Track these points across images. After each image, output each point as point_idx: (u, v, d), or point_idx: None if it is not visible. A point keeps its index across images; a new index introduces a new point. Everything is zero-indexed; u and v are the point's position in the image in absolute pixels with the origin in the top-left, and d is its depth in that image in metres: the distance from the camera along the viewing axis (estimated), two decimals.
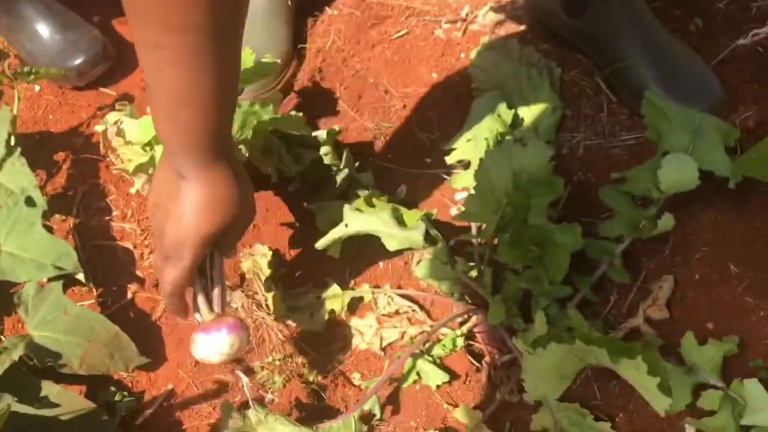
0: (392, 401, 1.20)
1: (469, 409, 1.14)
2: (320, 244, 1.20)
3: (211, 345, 0.94)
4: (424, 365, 1.18)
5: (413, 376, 1.19)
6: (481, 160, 1.15)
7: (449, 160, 1.31)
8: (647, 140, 1.27)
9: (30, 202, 1.29)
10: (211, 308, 0.96)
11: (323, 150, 1.31)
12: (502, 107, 1.28)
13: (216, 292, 0.96)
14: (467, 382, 1.19)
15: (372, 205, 1.21)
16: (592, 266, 1.18)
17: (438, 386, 1.17)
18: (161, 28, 0.72)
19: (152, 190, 0.89)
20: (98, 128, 1.36)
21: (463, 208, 1.18)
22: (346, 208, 1.17)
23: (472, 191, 1.15)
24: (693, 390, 1.03)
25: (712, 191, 1.19)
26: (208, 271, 0.95)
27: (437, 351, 1.21)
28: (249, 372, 1.23)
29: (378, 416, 1.17)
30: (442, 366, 1.19)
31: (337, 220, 1.19)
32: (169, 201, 0.84)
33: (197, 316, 0.97)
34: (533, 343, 0.97)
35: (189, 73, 0.74)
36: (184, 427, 1.24)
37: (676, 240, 1.20)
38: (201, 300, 0.95)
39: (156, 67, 0.75)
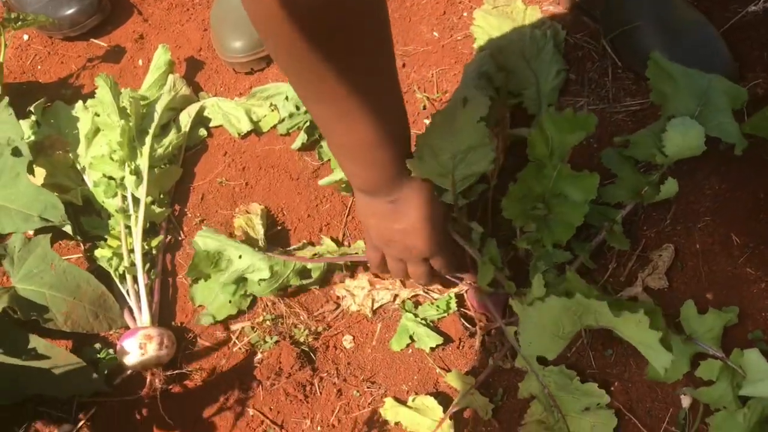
0: (385, 364, 1.18)
1: (462, 374, 1.12)
2: (324, 181, 1.24)
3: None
4: (417, 328, 1.16)
5: (406, 339, 1.17)
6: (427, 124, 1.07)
7: None
8: (651, 107, 1.25)
9: (16, 152, 1.25)
10: None
11: None
12: (492, 68, 1.24)
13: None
14: (460, 347, 1.17)
15: None
16: (591, 233, 1.15)
17: (432, 349, 1.15)
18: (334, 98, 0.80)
19: (367, 216, 1.02)
20: None
21: None
22: None
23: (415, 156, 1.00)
24: (691, 359, 1.01)
25: (716, 160, 1.16)
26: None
27: (430, 313, 1.18)
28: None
29: (313, 278, 1.22)
30: (435, 329, 1.17)
31: None
32: (387, 220, 0.98)
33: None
34: (531, 305, 0.94)
35: (376, 119, 0.84)
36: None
37: (678, 209, 1.18)
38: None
39: (348, 130, 0.85)
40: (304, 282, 1.22)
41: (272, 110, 1.36)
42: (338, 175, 1.19)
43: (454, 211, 1.08)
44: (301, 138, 1.33)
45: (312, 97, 0.83)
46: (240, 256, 1.18)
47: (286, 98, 1.33)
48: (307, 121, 1.33)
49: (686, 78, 1.12)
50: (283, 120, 1.35)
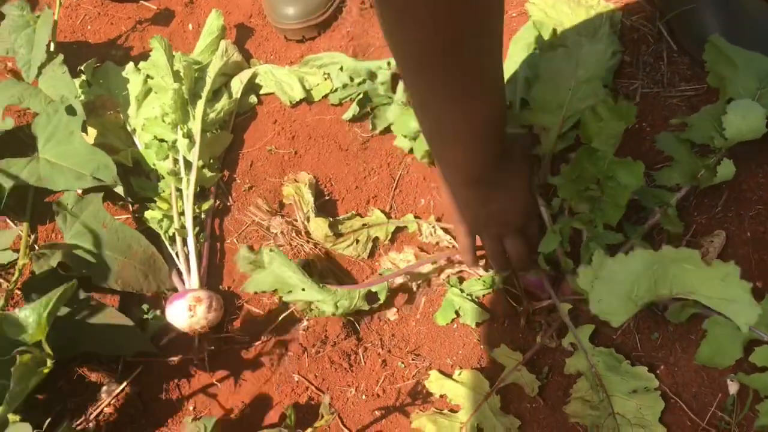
0: (430, 338, 1.19)
1: (509, 350, 1.12)
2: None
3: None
4: (463, 303, 1.17)
5: (451, 314, 1.17)
6: (545, 53, 1.15)
7: None
8: (706, 92, 1.24)
9: (70, 110, 1.26)
10: None
11: (380, 78, 1.27)
12: (536, 35, 1.25)
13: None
14: (505, 324, 1.18)
15: None
16: (644, 216, 1.15)
17: (477, 324, 1.16)
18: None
19: (465, 208, 1.04)
20: None
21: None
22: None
23: (537, 85, 1.13)
24: (744, 345, 1.01)
25: None
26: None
27: (476, 288, 1.18)
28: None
29: (382, 300, 1.18)
30: (480, 305, 1.18)
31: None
32: (485, 205, 1.01)
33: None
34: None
35: (493, 95, 0.86)
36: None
37: (730, 196, 1.17)
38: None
39: (467, 110, 0.85)
40: (374, 306, 1.19)
41: (325, 79, 1.36)
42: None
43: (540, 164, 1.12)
44: (353, 109, 1.33)
45: (431, 82, 0.80)
46: (303, 289, 1.14)
47: (341, 68, 1.33)
48: (360, 93, 1.33)
49: (746, 61, 1.11)
50: (335, 90, 1.35)
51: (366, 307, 1.17)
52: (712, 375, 1.06)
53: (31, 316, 1.02)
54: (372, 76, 1.30)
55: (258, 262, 1.16)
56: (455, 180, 1.00)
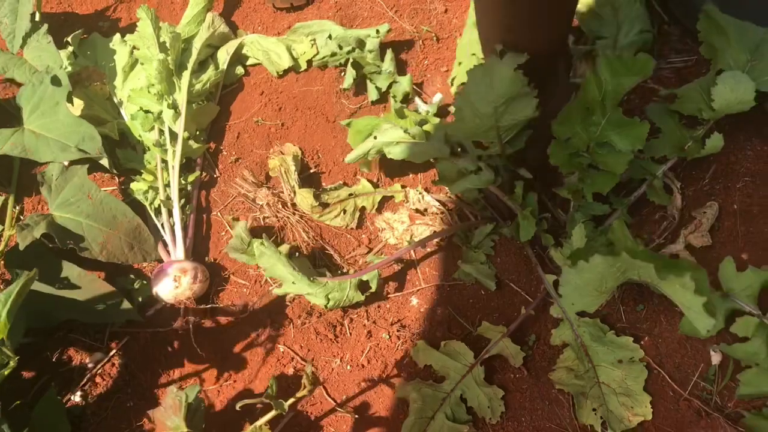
0: (414, 309, 1.19)
1: (493, 324, 1.12)
2: (350, 158, 1.19)
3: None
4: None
5: None
6: (463, 84, 1.08)
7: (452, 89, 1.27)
8: (696, 64, 1.23)
9: (55, 81, 1.24)
10: None
11: (369, 46, 1.26)
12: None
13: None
14: (493, 295, 1.18)
15: (403, 116, 1.18)
16: (631, 188, 1.15)
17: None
18: None
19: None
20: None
21: None
22: (377, 122, 1.16)
23: (455, 118, 1.03)
24: (726, 316, 1.01)
25: (759, 121, 1.15)
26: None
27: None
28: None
29: (373, 289, 1.17)
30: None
31: (368, 131, 1.17)
32: None
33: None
34: (572, 256, 0.94)
35: None
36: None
37: (718, 168, 1.16)
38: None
39: None
40: (367, 295, 1.18)
41: (312, 46, 1.35)
42: (364, 148, 1.17)
43: (502, 160, 1.07)
44: (350, 74, 1.31)
45: None
46: (293, 282, 1.13)
47: (329, 36, 1.32)
48: (349, 59, 1.32)
49: (738, 31, 1.09)
50: (324, 58, 1.34)
51: (360, 298, 1.16)
52: (695, 346, 1.06)
53: None
54: (360, 44, 1.29)
55: (249, 252, 1.16)
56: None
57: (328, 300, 1.14)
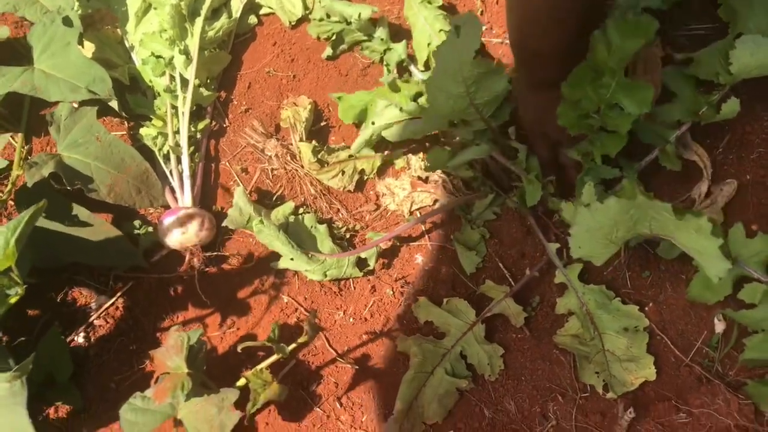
0: (419, 266, 1.18)
1: (496, 284, 1.12)
2: (355, 147, 1.20)
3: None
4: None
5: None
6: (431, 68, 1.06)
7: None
8: (714, 31, 1.21)
9: (67, 21, 1.23)
10: None
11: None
12: None
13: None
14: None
15: (397, 90, 1.17)
16: (642, 153, 1.13)
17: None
18: None
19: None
20: None
21: None
22: (372, 105, 1.17)
23: (428, 104, 1.07)
24: (734, 282, 1.00)
25: None
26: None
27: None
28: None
29: (371, 267, 1.17)
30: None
31: (361, 107, 1.19)
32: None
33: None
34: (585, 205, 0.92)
35: None
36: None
37: (733, 137, 1.15)
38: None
39: None
40: (364, 271, 1.18)
41: None
42: (364, 136, 1.18)
43: (493, 134, 1.07)
44: (327, 51, 1.32)
45: None
46: (292, 259, 1.13)
47: None
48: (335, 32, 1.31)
49: None
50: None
51: (358, 275, 1.17)
52: (699, 314, 1.06)
53: None
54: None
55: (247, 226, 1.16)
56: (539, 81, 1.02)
57: (326, 277, 1.14)
